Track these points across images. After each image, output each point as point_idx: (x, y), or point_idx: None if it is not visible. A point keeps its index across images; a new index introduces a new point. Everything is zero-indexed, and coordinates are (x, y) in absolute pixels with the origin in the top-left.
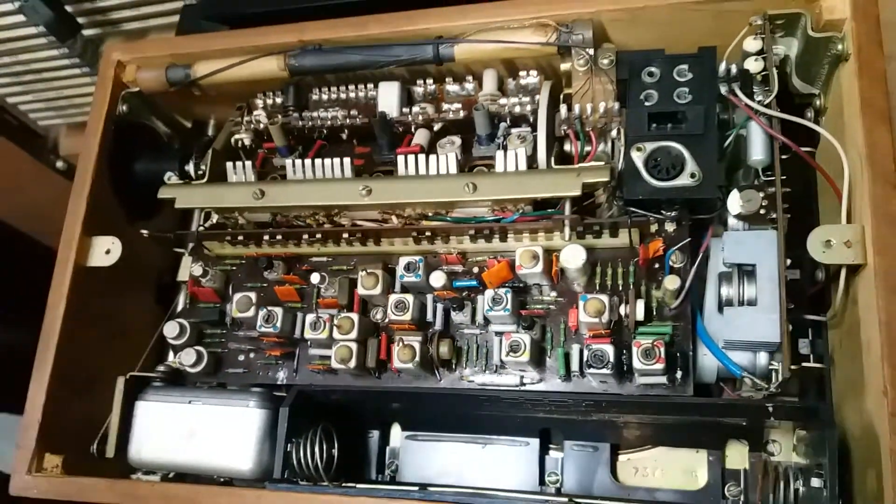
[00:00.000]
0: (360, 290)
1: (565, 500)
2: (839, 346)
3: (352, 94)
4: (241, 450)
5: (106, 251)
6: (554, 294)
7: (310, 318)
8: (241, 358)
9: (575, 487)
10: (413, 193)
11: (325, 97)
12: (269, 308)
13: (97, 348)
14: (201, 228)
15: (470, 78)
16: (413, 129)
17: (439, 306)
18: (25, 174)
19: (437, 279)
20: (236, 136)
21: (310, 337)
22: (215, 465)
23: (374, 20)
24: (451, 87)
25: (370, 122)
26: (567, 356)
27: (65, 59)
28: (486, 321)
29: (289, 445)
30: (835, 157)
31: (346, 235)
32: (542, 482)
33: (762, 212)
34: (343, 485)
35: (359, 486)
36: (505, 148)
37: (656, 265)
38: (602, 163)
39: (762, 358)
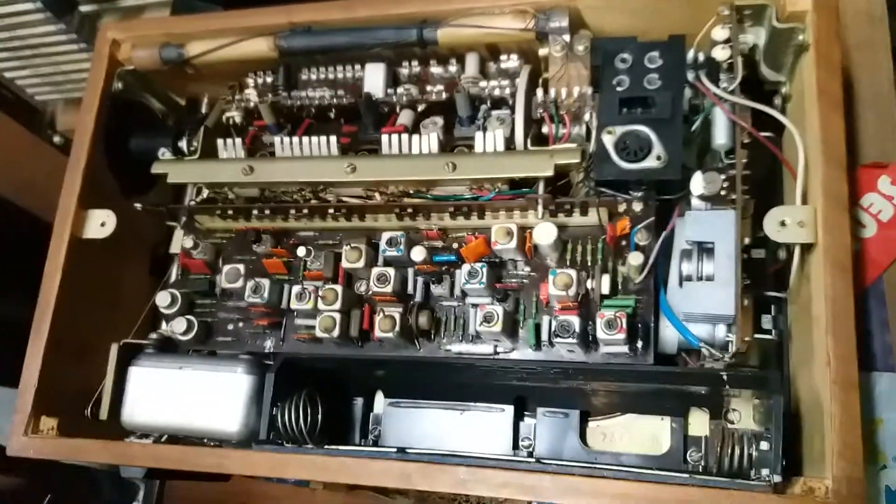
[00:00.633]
0: (345, 264)
1: (532, 460)
2: (796, 321)
3: (339, 75)
4: (228, 413)
5: (101, 224)
6: (528, 269)
7: (296, 289)
8: (231, 327)
9: (546, 451)
10: (395, 171)
11: (313, 77)
12: (257, 279)
13: (92, 317)
14: (192, 203)
15: (454, 60)
16: (398, 110)
17: (419, 279)
18: (22, 149)
19: (418, 254)
20: (228, 114)
21: (296, 307)
22: (204, 428)
23: (362, 3)
24: (436, 69)
25: (356, 103)
26: (538, 327)
27: (62, 34)
28: (464, 294)
29: (274, 409)
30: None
31: (331, 211)
32: (515, 446)
33: (723, 193)
34: (325, 447)
35: (341, 447)
36: (485, 129)
37: (623, 242)
38: (574, 145)
39: (720, 330)
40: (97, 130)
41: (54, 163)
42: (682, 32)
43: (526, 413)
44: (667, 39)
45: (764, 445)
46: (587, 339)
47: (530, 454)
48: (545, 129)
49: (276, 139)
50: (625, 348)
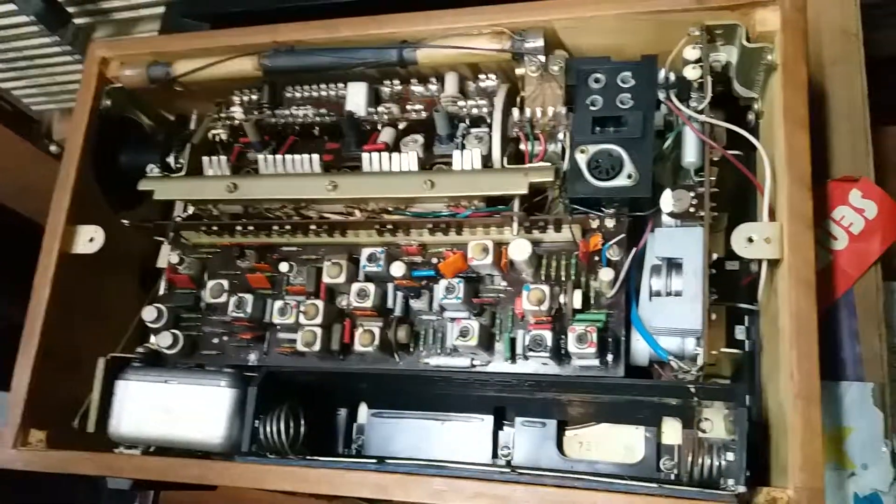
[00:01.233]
0: (326, 279)
1: (506, 470)
2: (767, 332)
3: (323, 93)
4: (212, 425)
5: (90, 239)
6: (504, 284)
7: (278, 304)
8: (216, 341)
9: (524, 460)
10: (375, 189)
11: (297, 95)
12: (241, 295)
13: (81, 330)
14: (179, 219)
15: (434, 79)
16: (379, 128)
17: (399, 294)
18: (21, 157)
19: (398, 269)
20: (214, 132)
21: (278, 322)
22: (189, 439)
23: (345, 23)
24: (417, 88)
25: (339, 121)
26: (513, 341)
27: (56, 46)
28: (442, 308)
29: (256, 422)
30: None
31: (313, 227)
32: (495, 455)
33: (692, 210)
34: (306, 458)
35: (321, 458)
36: (463, 147)
37: (596, 258)
38: (549, 164)
39: (689, 343)
40: (86, 147)
41: (50, 170)
42: (656, 52)
43: (505, 423)
44: (639, 59)
45: (730, 456)
46: (560, 353)
47: (509, 463)
48: (522, 147)
49: (260, 157)
50: (596, 361)
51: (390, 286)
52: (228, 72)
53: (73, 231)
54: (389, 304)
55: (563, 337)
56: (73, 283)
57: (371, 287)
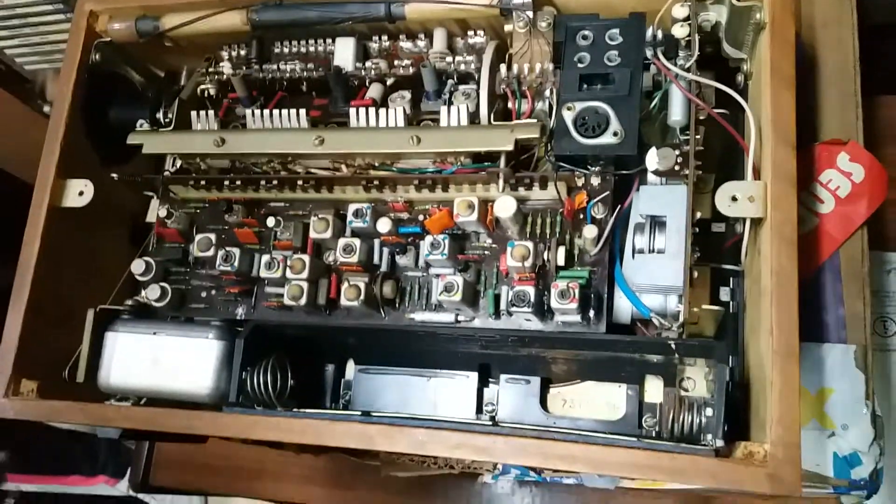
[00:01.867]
0: (313, 234)
1: (489, 423)
2: (750, 293)
3: (311, 48)
4: (200, 377)
5: (79, 193)
6: (489, 241)
7: (265, 258)
8: (204, 294)
9: (508, 416)
10: (361, 144)
11: (286, 50)
12: (228, 248)
13: (71, 283)
14: (167, 173)
15: (423, 35)
16: (367, 83)
17: (385, 250)
18: (13, 117)
19: (384, 225)
20: (202, 87)
21: (265, 276)
22: (177, 391)
23: None
24: (405, 44)
25: (327, 76)
26: (497, 297)
27: (49, 4)
28: (428, 265)
29: (243, 374)
30: None
31: (300, 182)
32: (479, 411)
33: (677, 168)
34: (293, 410)
35: (307, 410)
36: (450, 104)
37: (581, 216)
38: (535, 121)
39: (671, 301)
40: (75, 101)
41: (44, 131)
42: (644, 10)
43: (490, 380)
44: (627, 17)
45: (709, 412)
46: (542, 309)
47: (492, 419)
48: (510, 105)
49: (248, 112)
50: (578, 317)
51: (376, 242)
52: (217, 26)
53: (63, 185)
54: (375, 259)
55: (546, 293)
56: (63, 237)
57: (357, 242)
